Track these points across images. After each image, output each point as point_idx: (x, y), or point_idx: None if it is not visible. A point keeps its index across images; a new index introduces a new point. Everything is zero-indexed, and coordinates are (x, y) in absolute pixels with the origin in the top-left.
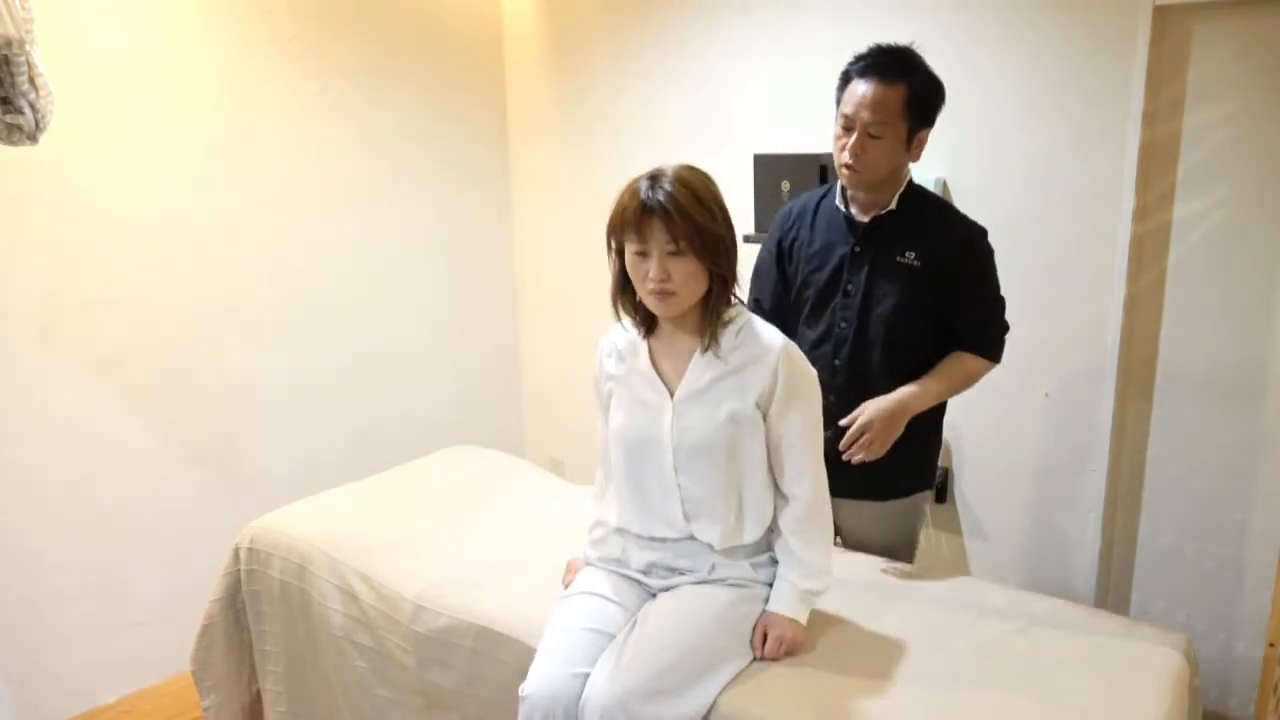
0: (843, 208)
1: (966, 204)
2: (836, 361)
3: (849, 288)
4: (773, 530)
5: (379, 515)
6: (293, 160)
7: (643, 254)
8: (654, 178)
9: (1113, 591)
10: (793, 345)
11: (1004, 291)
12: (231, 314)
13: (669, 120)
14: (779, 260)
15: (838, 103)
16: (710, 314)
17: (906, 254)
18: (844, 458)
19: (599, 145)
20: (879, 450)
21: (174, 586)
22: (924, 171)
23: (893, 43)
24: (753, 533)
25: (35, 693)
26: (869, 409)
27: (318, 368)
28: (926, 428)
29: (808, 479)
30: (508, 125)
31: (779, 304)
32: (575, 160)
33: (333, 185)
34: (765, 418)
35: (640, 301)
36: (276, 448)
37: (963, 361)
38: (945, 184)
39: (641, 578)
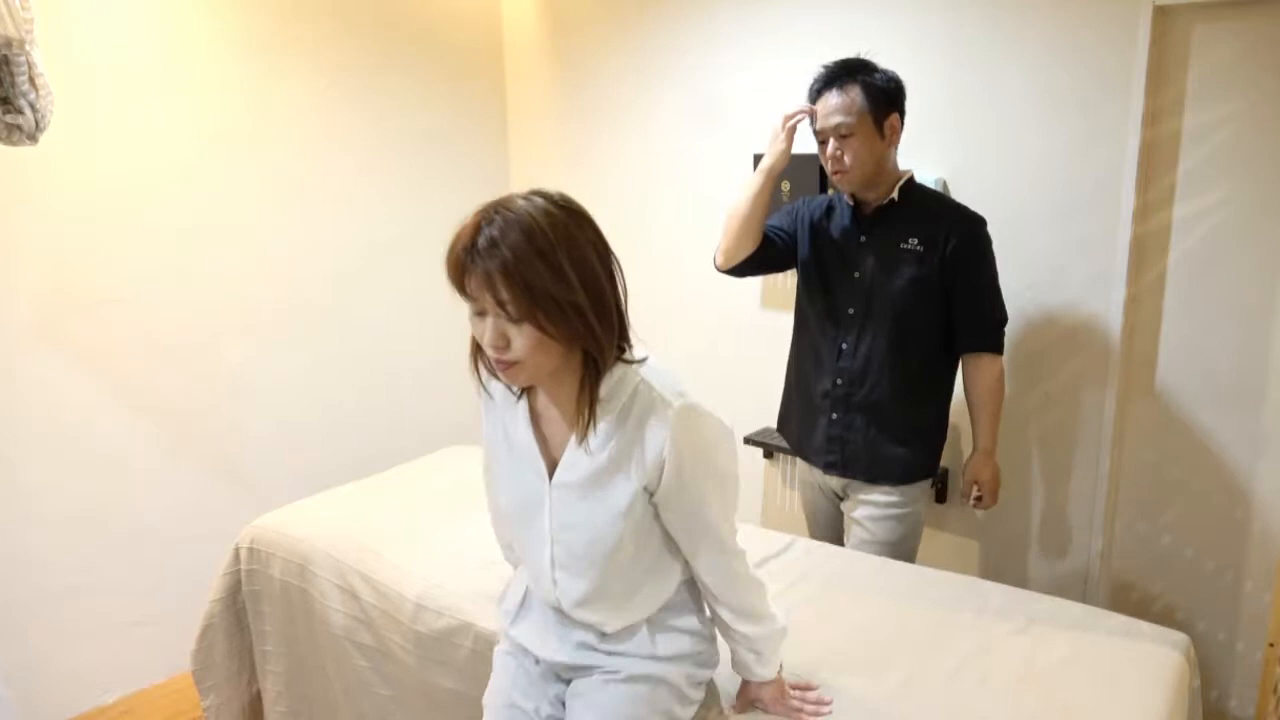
0: (850, 201)
1: (967, 203)
2: (843, 345)
3: (856, 274)
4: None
5: (380, 515)
6: (293, 159)
7: (480, 313)
8: (491, 213)
9: (1113, 592)
10: (690, 411)
11: (1004, 291)
12: (231, 313)
13: (669, 120)
14: (796, 216)
15: (811, 126)
16: (581, 400)
17: (909, 240)
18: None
19: (599, 145)
20: (997, 492)
21: (174, 586)
22: (925, 171)
23: (840, 58)
24: (642, 612)
25: (35, 693)
26: (968, 474)
27: (318, 366)
28: (933, 416)
29: (717, 567)
30: (508, 124)
31: (784, 240)
32: (576, 159)
33: (333, 184)
34: (654, 497)
35: None
36: (276, 447)
37: (978, 374)
38: (945, 184)
39: (551, 658)
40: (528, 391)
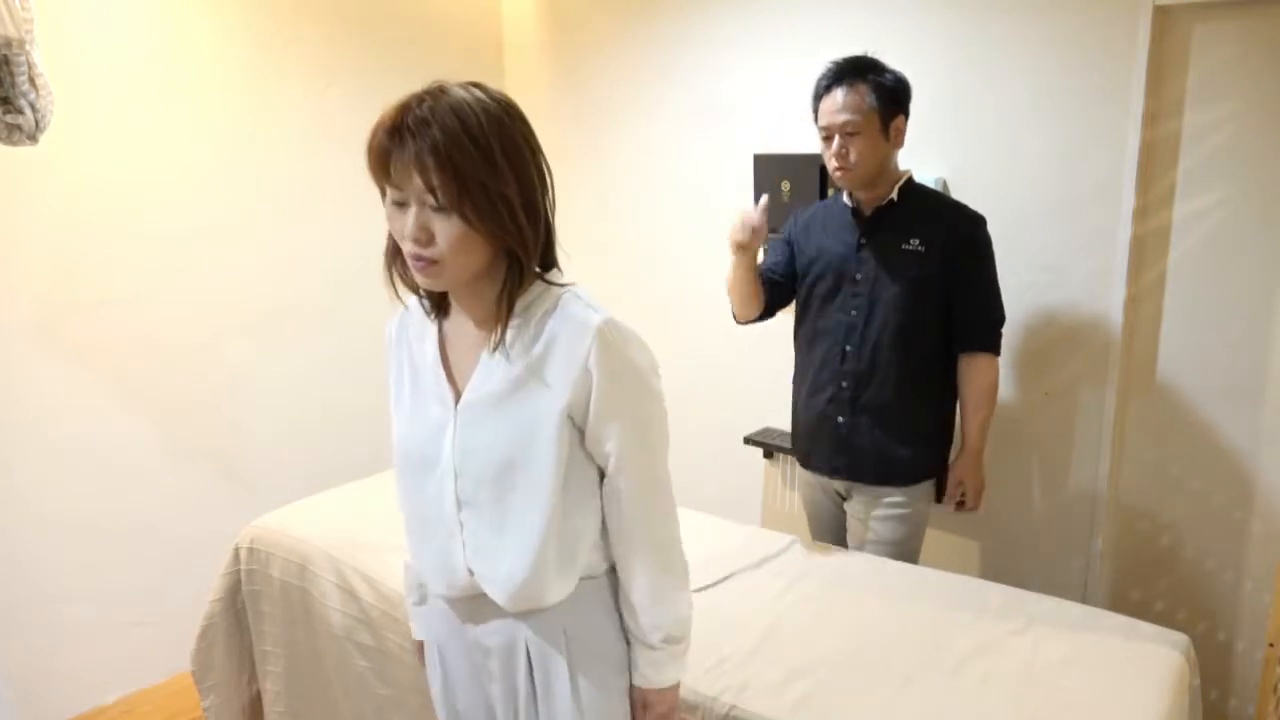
0: (849, 203)
1: (967, 203)
2: (847, 348)
3: (857, 277)
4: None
5: (379, 515)
6: (293, 159)
7: (400, 204)
8: (423, 95)
9: (1113, 591)
10: (616, 325)
11: (1005, 291)
12: (232, 313)
13: (668, 120)
14: (789, 244)
15: (815, 122)
16: (500, 304)
17: (911, 241)
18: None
19: (598, 146)
20: (980, 496)
21: (174, 586)
22: (925, 171)
23: (849, 55)
24: (559, 589)
25: (35, 693)
26: (953, 474)
27: (318, 366)
28: (938, 415)
29: (643, 506)
30: None
31: (786, 277)
32: (574, 160)
33: (332, 184)
34: (583, 430)
35: None
36: (276, 447)
37: (973, 374)
38: (946, 184)
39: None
40: (440, 316)
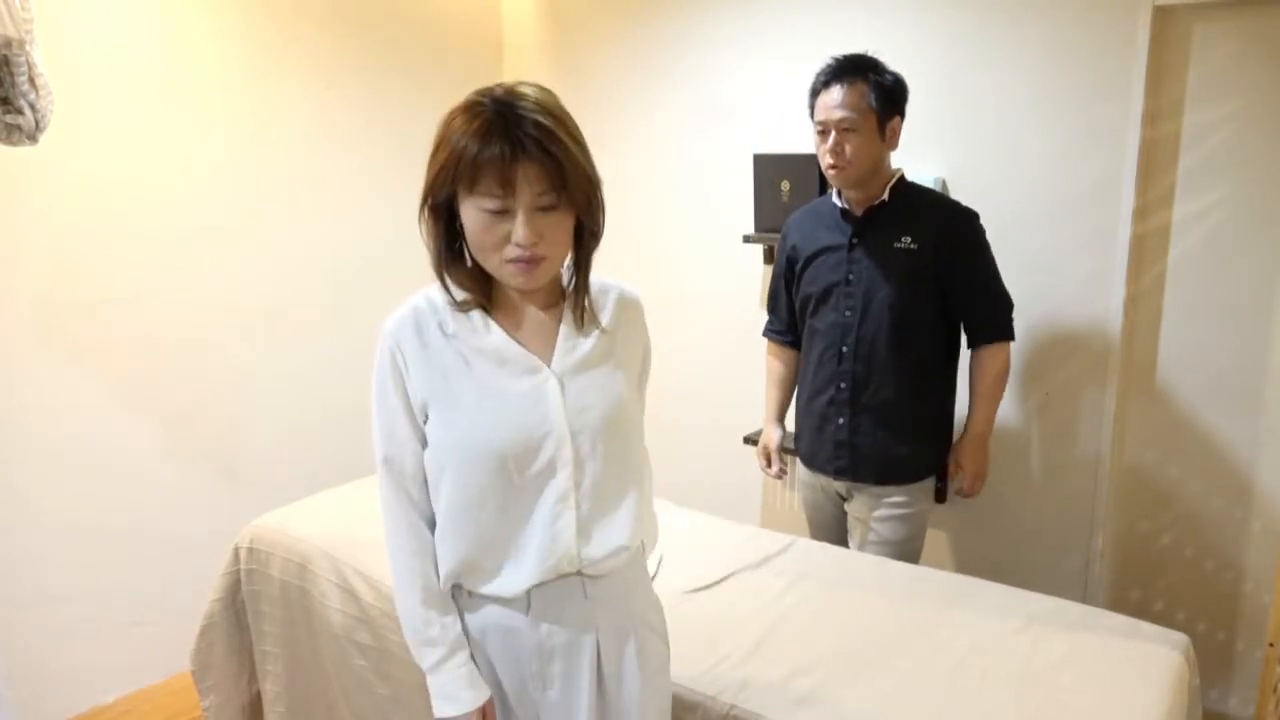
0: (839, 203)
1: (967, 203)
2: (844, 348)
3: (850, 277)
4: None
5: (379, 514)
6: (292, 159)
7: (501, 211)
8: (505, 103)
9: (1113, 591)
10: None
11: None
12: (231, 313)
13: (668, 121)
14: (789, 270)
15: (812, 117)
16: (582, 283)
17: (903, 239)
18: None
19: (598, 146)
20: (982, 479)
21: (174, 586)
22: (924, 171)
23: (849, 53)
24: (634, 536)
25: (35, 693)
26: (953, 455)
27: (318, 366)
28: (938, 412)
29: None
30: None
31: (795, 321)
32: None
33: (332, 184)
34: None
35: (474, 271)
36: (276, 447)
37: (986, 360)
38: (945, 184)
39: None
40: (484, 310)
